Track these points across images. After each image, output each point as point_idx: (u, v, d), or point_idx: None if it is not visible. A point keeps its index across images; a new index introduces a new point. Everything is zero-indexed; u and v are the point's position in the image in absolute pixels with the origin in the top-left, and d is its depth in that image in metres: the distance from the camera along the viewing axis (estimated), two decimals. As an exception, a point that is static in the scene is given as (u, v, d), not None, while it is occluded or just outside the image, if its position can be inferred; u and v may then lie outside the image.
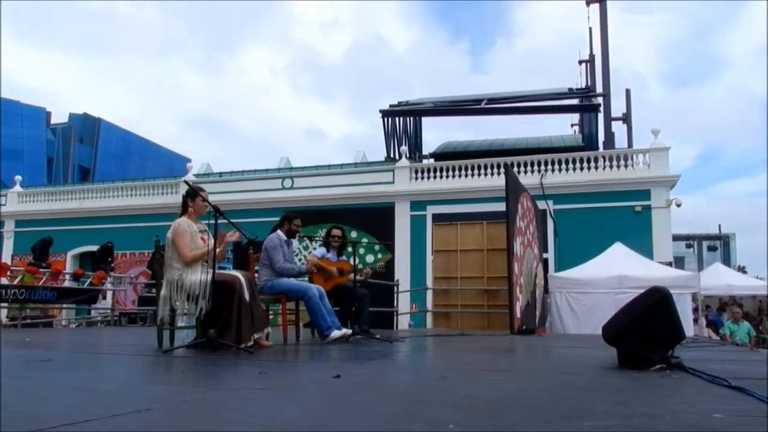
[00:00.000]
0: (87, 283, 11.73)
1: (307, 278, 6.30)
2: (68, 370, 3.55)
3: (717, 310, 17.06)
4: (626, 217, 15.51)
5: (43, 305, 11.37)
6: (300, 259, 13.11)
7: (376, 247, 17.15)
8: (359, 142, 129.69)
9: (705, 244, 34.75)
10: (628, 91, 22.39)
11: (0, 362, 3.54)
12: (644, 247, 13.91)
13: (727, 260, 31.92)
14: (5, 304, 10.36)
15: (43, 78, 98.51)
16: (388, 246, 16.79)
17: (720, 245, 34.80)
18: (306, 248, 15.81)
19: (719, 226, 35.42)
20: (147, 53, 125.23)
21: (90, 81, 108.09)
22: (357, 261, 6.46)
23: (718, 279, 15.36)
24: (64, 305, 11.85)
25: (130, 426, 1.73)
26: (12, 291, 9.70)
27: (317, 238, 7.95)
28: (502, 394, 2.54)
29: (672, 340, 3.35)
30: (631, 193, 15.87)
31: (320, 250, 6.80)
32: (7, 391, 2.41)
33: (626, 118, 22.07)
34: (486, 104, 22.25)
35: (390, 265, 16.74)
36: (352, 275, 6.48)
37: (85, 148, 50.81)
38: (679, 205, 15.57)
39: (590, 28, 23.79)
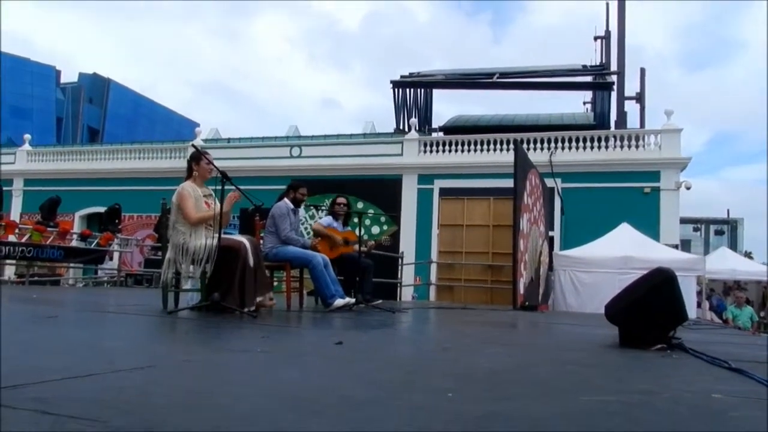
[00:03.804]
0: (94, 243, 11.80)
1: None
2: (73, 327, 3.59)
3: (721, 293, 17.06)
4: (634, 198, 15.43)
5: (51, 264, 11.48)
6: (306, 228, 13.14)
7: (382, 219, 17.15)
8: (375, 113, 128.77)
9: (712, 228, 34.64)
10: (642, 70, 22.16)
11: (0, 317, 3.58)
12: (651, 229, 13.85)
13: (733, 245, 31.81)
14: (13, 261, 10.46)
15: (59, 39, 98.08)
16: (394, 218, 16.79)
17: (727, 230, 34.68)
18: (312, 217, 15.82)
19: (728, 210, 35.31)
20: (163, 16, 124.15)
21: (104, 41, 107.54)
22: (362, 232, 6.46)
23: (723, 263, 15.32)
24: (71, 264, 11.96)
25: (131, 380, 1.74)
26: (20, 249, 9.79)
27: (323, 208, 7.94)
28: (502, 366, 2.55)
29: (674, 321, 3.34)
30: (640, 174, 15.75)
31: (326, 219, 6.80)
32: (12, 344, 2.44)
33: (640, 98, 21.83)
34: (498, 78, 21.98)
35: (395, 237, 16.76)
36: (356, 246, 6.49)
37: (94, 109, 50.74)
38: (688, 188, 15.46)
39: (607, 4, 23.39)
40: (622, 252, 11.05)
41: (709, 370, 2.62)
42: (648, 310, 3.25)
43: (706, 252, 25.49)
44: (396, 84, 21.83)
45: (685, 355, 3.05)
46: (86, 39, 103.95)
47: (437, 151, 17.76)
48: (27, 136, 22.86)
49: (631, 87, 21.97)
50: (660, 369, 2.64)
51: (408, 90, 22.22)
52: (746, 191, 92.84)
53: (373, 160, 17.98)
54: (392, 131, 21.44)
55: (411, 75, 23.07)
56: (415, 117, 21.16)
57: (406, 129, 20.08)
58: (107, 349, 2.55)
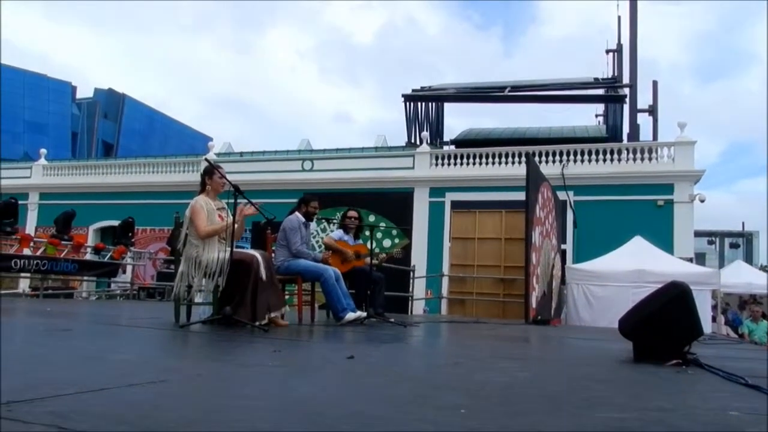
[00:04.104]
0: (108, 256, 11.90)
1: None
2: (87, 340, 3.61)
3: (737, 307, 16.82)
4: (648, 211, 15.32)
5: (65, 277, 11.58)
6: (317, 241, 13.17)
7: (394, 232, 17.14)
8: (386, 127, 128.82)
9: (727, 241, 34.27)
10: (655, 83, 22.09)
11: (0, 330, 3.61)
12: (665, 242, 13.73)
13: (749, 258, 31.44)
14: (28, 275, 10.56)
15: (72, 54, 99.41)
16: (406, 231, 16.78)
17: (742, 243, 34.31)
18: (323, 230, 15.84)
19: (743, 223, 34.98)
20: (176, 30, 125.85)
21: (119, 57, 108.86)
22: (374, 245, 6.45)
23: (738, 277, 15.13)
24: (85, 278, 12.06)
25: (144, 395, 1.75)
26: (35, 262, 9.89)
27: (335, 221, 7.96)
28: (515, 381, 2.53)
29: (689, 336, 3.30)
30: (653, 186, 15.65)
31: (337, 233, 6.81)
32: (27, 358, 2.46)
33: (652, 110, 21.76)
34: (509, 92, 22.01)
35: (407, 250, 16.73)
36: (368, 259, 6.48)
37: (109, 124, 51.33)
38: (702, 201, 15.33)
39: (619, 17, 23.42)
40: (636, 265, 10.95)
41: (726, 386, 2.58)
42: (663, 324, 3.22)
43: (721, 265, 25.20)
44: (407, 98, 21.93)
45: (701, 371, 3.01)
46: (102, 54, 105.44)
47: (449, 164, 17.78)
48: (43, 151, 23.18)
49: (644, 99, 21.99)
50: (675, 385, 2.61)
51: (419, 104, 22.30)
52: (761, 204, 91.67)
53: (385, 173, 18.03)
54: (404, 145, 21.50)
55: (422, 89, 23.17)
56: (427, 130, 21.21)
57: (418, 142, 20.13)
58: (120, 363, 2.56)
